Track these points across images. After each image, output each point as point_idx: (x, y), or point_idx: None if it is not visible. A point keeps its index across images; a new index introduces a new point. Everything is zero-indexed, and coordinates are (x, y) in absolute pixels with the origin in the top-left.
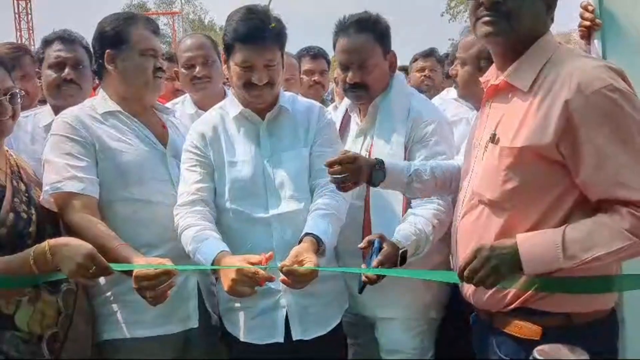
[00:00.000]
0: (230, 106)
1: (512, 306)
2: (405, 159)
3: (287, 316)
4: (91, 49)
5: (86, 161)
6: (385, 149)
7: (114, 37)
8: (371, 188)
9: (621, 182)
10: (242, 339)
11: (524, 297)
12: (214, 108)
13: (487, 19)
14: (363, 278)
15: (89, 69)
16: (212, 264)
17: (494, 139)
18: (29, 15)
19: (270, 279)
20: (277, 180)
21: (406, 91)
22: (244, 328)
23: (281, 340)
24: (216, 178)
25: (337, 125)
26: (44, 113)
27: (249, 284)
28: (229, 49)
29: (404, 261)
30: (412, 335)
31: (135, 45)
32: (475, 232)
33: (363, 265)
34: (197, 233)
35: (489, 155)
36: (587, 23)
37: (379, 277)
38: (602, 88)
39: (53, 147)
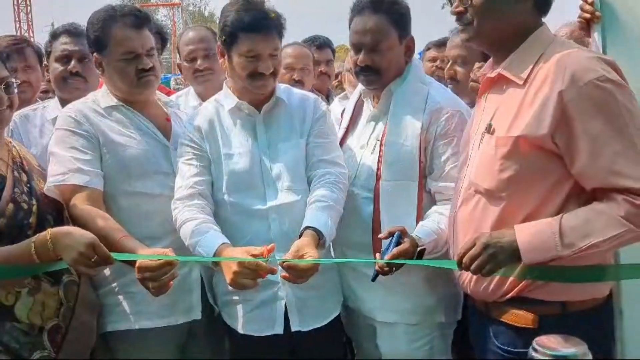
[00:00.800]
0: (225, 99)
1: (508, 296)
2: (420, 150)
3: (285, 308)
4: None
5: (91, 154)
6: (399, 139)
7: (96, 41)
8: (381, 180)
9: (617, 171)
10: (241, 331)
11: (519, 286)
12: (209, 101)
13: (459, 27)
14: (376, 267)
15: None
16: (214, 257)
17: (489, 130)
18: (28, 7)
19: (272, 271)
20: (275, 172)
21: (424, 79)
22: (242, 320)
23: (281, 331)
24: (213, 171)
25: (350, 110)
26: (51, 106)
27: (251, 276)
28: (231, 40)
29: (420, 259)
30: (419, 346)
31: (114, 50)
32: (472, 221)
33: (377, 255)
34: (197, 226)
35: (484, 146)
36: (587, 15)
37: (392, 268)
38: (594, 79)
39: (58, 141)
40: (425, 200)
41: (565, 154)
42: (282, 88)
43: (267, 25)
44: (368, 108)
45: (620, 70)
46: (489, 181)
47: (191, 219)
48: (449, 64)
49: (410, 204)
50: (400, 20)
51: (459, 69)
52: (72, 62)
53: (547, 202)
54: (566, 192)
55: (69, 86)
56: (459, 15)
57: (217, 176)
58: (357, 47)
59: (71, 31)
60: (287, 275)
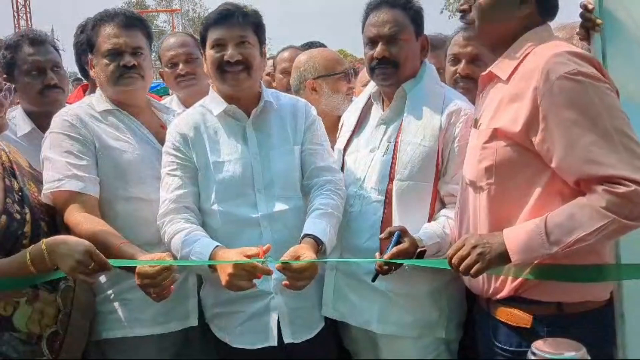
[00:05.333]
0: (213, 103)
1: (504, 294)
2: (439, 151)
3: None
4: (58, 47)
5: (86, 160)
6: (416, 139)
7: (87, 43)
8: (395, 180)
9: (593, 160)
10: (233, 345)
11: (514, 285)
12: (194, 106)
13: (463, 27)
14: (376, 267)
15: (64, 69)
16: (210, 257)
17: (476, 124)
18: (28, 14)
19: (268, 272)
20: (266, 179)
21: (438, 81)
22: (234, 333)
23: (275, 343)
24: (201, 180)
25: (357, 114)
26: (18, 119)
27: (246, 277)
28: (203, 39)
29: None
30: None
31: (100, 48)
32: (465, 214)
33: (377, 255)
34: (186, 236)
35: (471, 140)
36: (588, 24)
37: (391, 268)
38: (566, 72)
39: (53, 145)
40: (439, 204)
41: (541, 150)
42: (270, 92)
43: (232, 14)
44: (377, 111)
45: (601, 67)
46: (472, 172)
47: (179, 230)
48: (463, 62)
49: (423, 205)
50: (416, 16)
51: (476, 68)
52: (48, 74)
53: (528, 194)
54: (545, 185)
55: (48, 99)
56: (463, 13)
57: (205, 185)
58: (373, 40)
59: (36, 40)
60: (287, 282)
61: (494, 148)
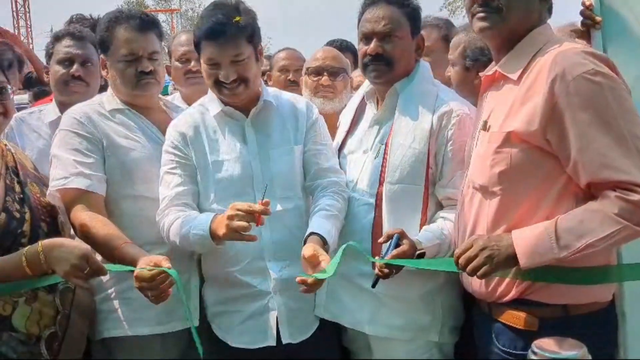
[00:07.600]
0: (211, 103)
1: (508, 297)
2: (429, 154)
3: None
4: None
5: (93, 158)
6: (406, 141)
7: (101, 42)
8: (385, 183)
9: (606, 164)
10: (232, 344)
11: (519, 288)
12: (194, 106)
13: (480, 14)
14: (376, 271)
15: (97, 67)
16: (210, 229)
17: (485, 127)
18: (28, 14)
19: (266, 212)
20: (267, 179)
21: (432, 80)
22: (233, 333)
23: (273, 343)
24: (200, 180)
25: (351, 114)
26: (49, 109)
27: (245, 218)
28: (198, 47)
29: None
30: None
31: (115, 52)
32: (470, 218)
33: (377, 258)
34: (185, 218)
35: (480, 143)
36: (588, 22)
37: (391, 271)
38: (584, 72)
39: (61, 143)
40: (431, 208)
41: (558, 150)
42: (270, 91)
43: (224, 31)
44: (371, 111)
45: (615, 67)
46: (483, 177)
47: (176, 217)
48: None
49: (414, 209)
50: (413, 15)
51: None
52: (75, 66)
53: (541, 199)
54: (559, 189)
55: (70, 89)
56: (486, 1)
57: (204, 184)
58: (368, 36)
59: (75, 34)
60: (305, 288)
61: (509, 152)
